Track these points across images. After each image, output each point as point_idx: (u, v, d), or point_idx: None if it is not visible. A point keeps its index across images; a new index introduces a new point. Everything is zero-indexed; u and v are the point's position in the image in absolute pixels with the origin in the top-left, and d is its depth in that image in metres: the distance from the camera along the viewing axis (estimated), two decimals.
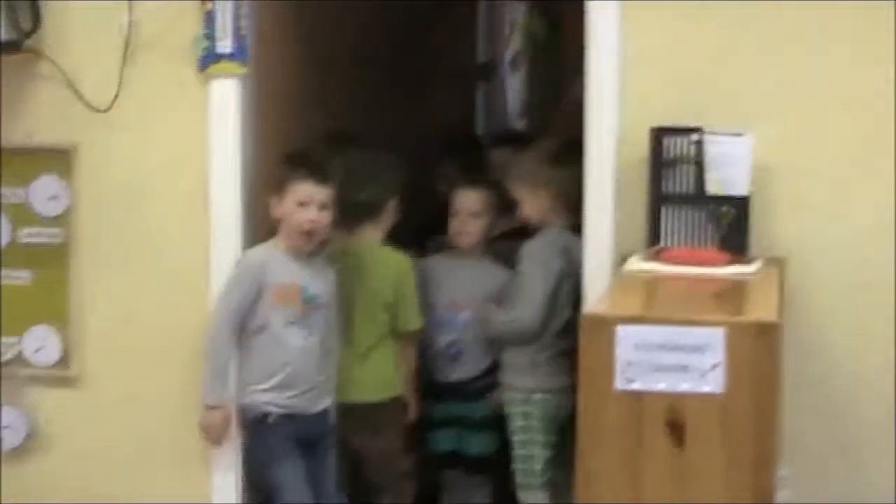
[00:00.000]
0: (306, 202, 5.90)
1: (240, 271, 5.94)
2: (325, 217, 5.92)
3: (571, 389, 5.76)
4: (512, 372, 6.37)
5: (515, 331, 6.32)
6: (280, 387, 5.95)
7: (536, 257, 6.27)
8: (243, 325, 5.93)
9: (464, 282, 6.56)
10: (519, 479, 6.35)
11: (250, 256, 6.00)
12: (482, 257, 6.63)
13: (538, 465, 6.30)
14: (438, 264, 6.74)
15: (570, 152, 6.03)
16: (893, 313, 5.52)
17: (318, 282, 6.04)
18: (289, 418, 5.96)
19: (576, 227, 6.12)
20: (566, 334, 6.13)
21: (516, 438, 6.33)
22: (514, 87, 8.83)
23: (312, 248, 6.00)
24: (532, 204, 6.31)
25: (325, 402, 6.07)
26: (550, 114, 8.43)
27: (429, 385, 6.68)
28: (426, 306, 6.54)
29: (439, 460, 6.75)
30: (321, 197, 5.91)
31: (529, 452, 6.31)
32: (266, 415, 5.94)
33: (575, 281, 6.07)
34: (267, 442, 6.01)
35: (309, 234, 5.93)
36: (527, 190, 6.32)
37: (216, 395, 5.86)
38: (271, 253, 6.00)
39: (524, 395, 6.31)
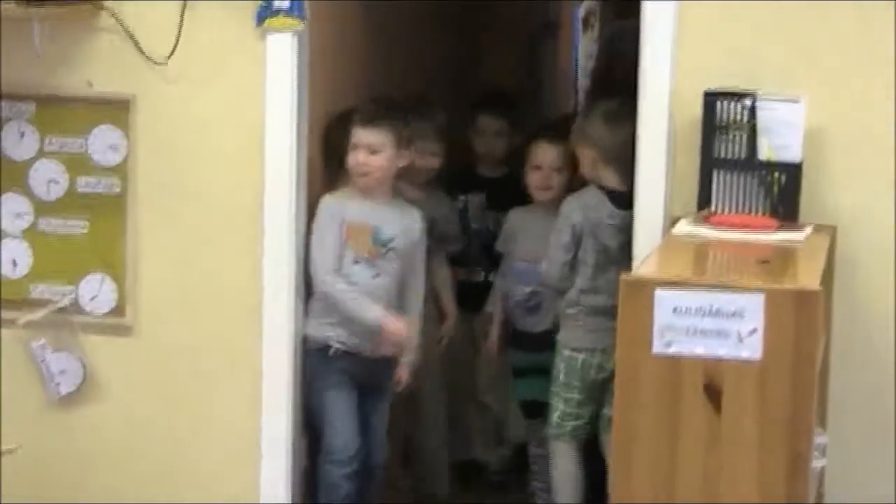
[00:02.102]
0: (356, 145, 6.06)
1: (323, 215, 6.07)
2: (375, 160, 6.05)
3: (606, 350, 6.11)
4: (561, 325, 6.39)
5: (544, 284, 6.45)
6: (342, 323, 6.04)
7: (563, 216, 6.33)
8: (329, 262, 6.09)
9: (543, 235, 6.51)
10: (548, 423, 6.43)
11: (329, 198, 6.13)
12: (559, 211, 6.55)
13: (556, 416, 6.34)
14: (520, 217, 6.81)
15: (623, 114, 6.04)
16: None
17: (393, 226, 6.13)
18: (350, 356, 6.07)
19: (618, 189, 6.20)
20: (595, 292, 6.21)
21: (554, 385, 6.41)
22: (585, 46, 8.78)
23: (384, 192, 6.17)
24: (584, 162, 6.33)
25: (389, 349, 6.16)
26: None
27: (513, 335, 6.82)
28: (508, 257, 6.76)
29: (524, 409, 6.85)
30: (369, 140, 6.04)
31: (554, 403, 6.35)
32: (328, 347, 6.06)
33: (598, 238, 6.24)
34: (324, 374, 6.11)
35: (361, 175, 6.08)
36: (580, 148, 6.34)
37: (375, 313, 6.01)
38: (349, 194, 6.16)
39: (563, 346, 6.35)
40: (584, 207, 6.25)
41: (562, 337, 6.33)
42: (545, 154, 6.63)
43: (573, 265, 6.26)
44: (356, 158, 6.05)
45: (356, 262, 6.07)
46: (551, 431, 6.40)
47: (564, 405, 6.31)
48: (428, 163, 6.74)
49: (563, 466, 6.39)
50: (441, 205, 6.91)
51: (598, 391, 6.24)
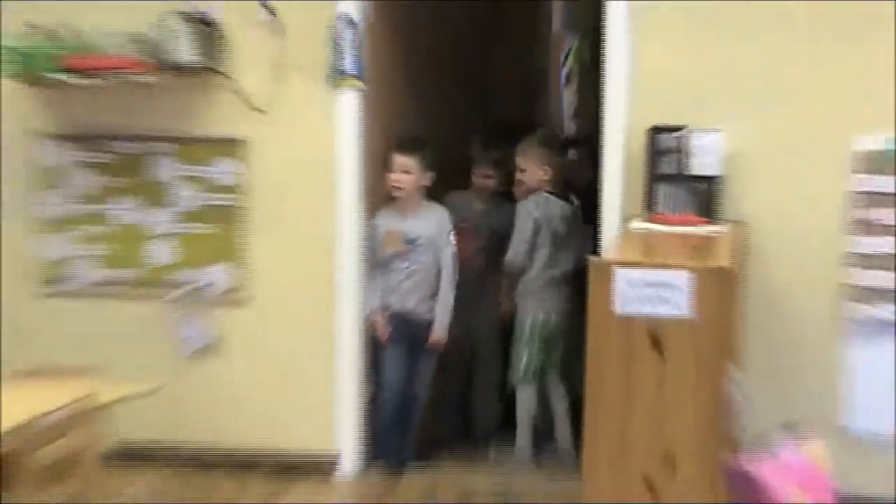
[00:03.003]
0: (393, 167, 6.11)
1: (367, 234, 6.12)
2: (406, 179, 6.10)
3: (564, 314, 6.27)
4: (521, 295, 6.38)
5: (510, 266, 6.35)
6: (394, 298, 6.17)
7: (523, 213, 6.29)
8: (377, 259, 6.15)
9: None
10: (510, 374, 6.42)
11: (377, 218, 6.17)
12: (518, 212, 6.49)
13: (521, 365, 6.35)
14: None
15: (562, 145, 6.36)
16: (814, 254, 5.62)
17: (419, 228, 6.14)
18: (398, 316, 6.16)
19: (558, 195, 6.33)
20: (551, 268, 6.28)
21: (514, 340, 6.40)
22: (568, 98, 8.70)
23: (414, 204, 6.16)
24: (532, 174, 6.34)
25: (426, 315, 6.18)
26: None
27: None
28: None
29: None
30: (401, 162, 6.09)
31: (519, 355, 6.36)
32: (387, 310, 6.18)
33: (552, 228, 6.27)
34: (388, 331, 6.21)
35: (394, 189, 6.12)
36: (532, 163, 6.35)
37: (369, 307, 6.16)
38: (384, 213, 6.18)
39: (521, 313, 6.36)
40: (539, 206, 6.27)
41: (526, 304, 6.35)
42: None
43: (531, 251, 6.27)
44: (392, 178, 6.10)
45: (395, 256, 6.15)
46: (518, 378, 6.39)
47: (527, 357, 6.34)
48: (484, 183, 6.67)
49: (528, 403, 6.39)
50: (500, 211, 6.62)
51: (550, 343, 6.33)
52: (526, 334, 6.35)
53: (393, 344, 6.22)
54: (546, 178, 6.35)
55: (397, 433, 6.27)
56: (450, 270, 6.21)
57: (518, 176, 6.45)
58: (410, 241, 6.15)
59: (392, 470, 6.19)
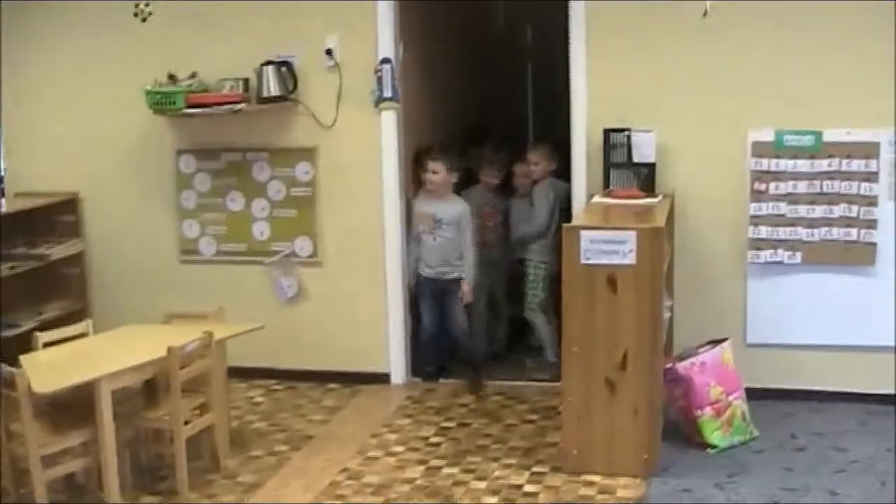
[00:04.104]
0: (427, 169, 6.06)
1: (413, 211, 6.12)
2: (436, 178, 6.01)
3: (549, 262, 6.14)
4: (533, 252, 6.30)
5: (538, 232, 6.26)
6: (423, 264, 6.10)
7: (543, 195, 6.23)
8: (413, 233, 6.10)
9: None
10: (527, 304, 6.35)
11: (415, 201, 6.12)
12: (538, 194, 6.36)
13: (537, 298, 6.32)
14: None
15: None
16: (726, 216, 5.60)
17: (445, 211, 6.02)
18: (429, 279, 6.10)
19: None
20: (550, 231, 6.18)
21: (529, 283, 6.32)
22: None
23: (441, 194, 6.05)
24: (543, 166, 6.24)
25: (452, 275, 6.04)
26: None
27: None
28: None
29: None
30: (433, 166, 6.03)
31: (534, 291, 6.32)
32: (420, 275, 6.13)
33: (560, 204, 6.17)
34: (420, 289, 6.17)
35: (431, 184, 6.05)
36: (544, 158, 6.24)
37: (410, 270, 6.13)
38: (420, 199, 6.12)
39: (536, 263, 6.31)
40: (553, 189, 6.21)
41: (539, 258, 6.26)
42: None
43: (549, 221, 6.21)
44: (427, 176, 6.04)
45: (425, 232, 6.05)
46: (531, 308, 6.33)
47: (532, 293, 6.31)
48: (492, 181, 6.46)
49: (542, 324, 6.35)
50: (503, 198, 6.50)
51: (547, 283, 6.25)
52: (540, 280, 6.28)
53: (425, 298, 6.16)
54: (553, 168, 6.22)
55: (438, 360, 6.24)
56: (469, 244, 6.06)
57: (532, 168, 6.26)
58: (437, 221, 6.04)
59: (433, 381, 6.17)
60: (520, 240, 6.37)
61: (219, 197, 6.25)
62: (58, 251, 6.26)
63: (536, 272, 6.31)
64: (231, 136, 6.15)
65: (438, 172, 6.03)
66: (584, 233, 4.71)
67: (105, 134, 6.33)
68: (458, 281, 6.07)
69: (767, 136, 5.47)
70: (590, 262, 4.68)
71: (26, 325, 5.88)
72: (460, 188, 6.28)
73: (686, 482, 4.68)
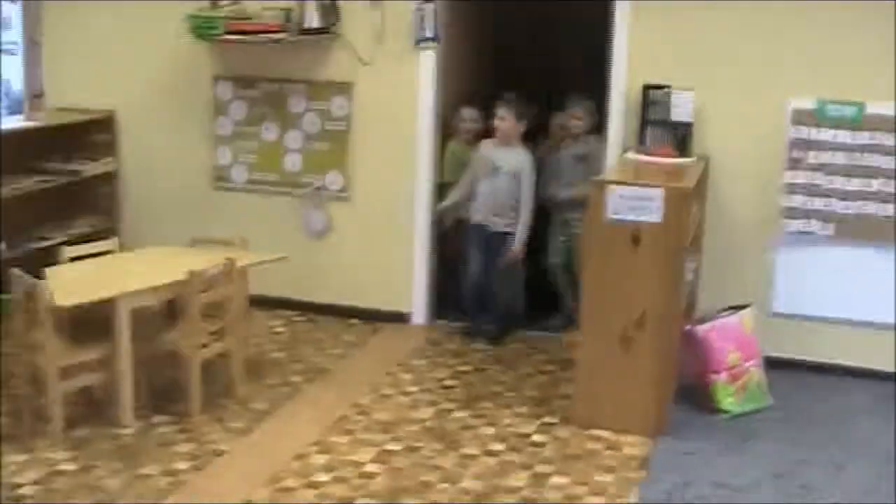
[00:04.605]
0: (495, 115, 5.87)
1: (473, 157, 5.97)
2: (502, 124, 5.80)
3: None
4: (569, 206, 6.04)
5: None
6: (476, 209, 5.92)
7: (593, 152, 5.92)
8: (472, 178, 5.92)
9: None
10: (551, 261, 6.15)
11: (479, 148, 5.96)
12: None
13: (558, 253, 6.13)
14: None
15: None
16: (759, 183, 5.54)
17: (505, 159, 5.79)
18: (479, 226, 5.91)
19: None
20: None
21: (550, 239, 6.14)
22: None
23: (507, 142, 5.82)
24: (585, 121, 5.97)
25: (501, 227, 5.83)
26: None
27: None
28: None
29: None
30: (499, 112, 5.83)
31: (553, 246, 6.15)
32: (468, 221, 5.96)
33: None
34: (468, 234, 6.00)
35: (497, 130, 5.85)
36: (586, 113, 5.96)
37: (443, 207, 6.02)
38: (485, 145, 5.95)
39: (562, 222, 6.12)
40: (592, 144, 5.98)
41: (568, 216, 6.04)
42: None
43: None
44: (495, 122, 5.83)
45: (485, 177, 5.83)
46: (555, 261, 6.13)
47: (554, 245, 6.15)
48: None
49: (562, 276, 6.16)
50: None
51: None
52: (559, 232, 6.11)
53: (473, 246, 5.96)
54: (593, 123, 5.98)
55: (480, 312, 6.03)
56: (528, 200, 5.81)
57: (573, 122, 5.99)
58: (495, 168, 5.82)
59: (475, 336, 5.96)
60: (566, 201, 6.02)
61: (253, 126, 6.25)
62: (91, 168, 6.30)
63: (566, 225, 6.07)
64: (269, 66, 6.13)
65: (505, 119, 5.81)
66: (611, 188, 4.67)
67: (145, 56, 6.35)
68: (504, 235, 5.87)
69: (808, 104, 5.38)
70: (616, 217, 4.65)
71: (55, 239, 5.94)
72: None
73: (692, 445, 4.69)
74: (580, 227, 5.81)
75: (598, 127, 5.91)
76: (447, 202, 6.03)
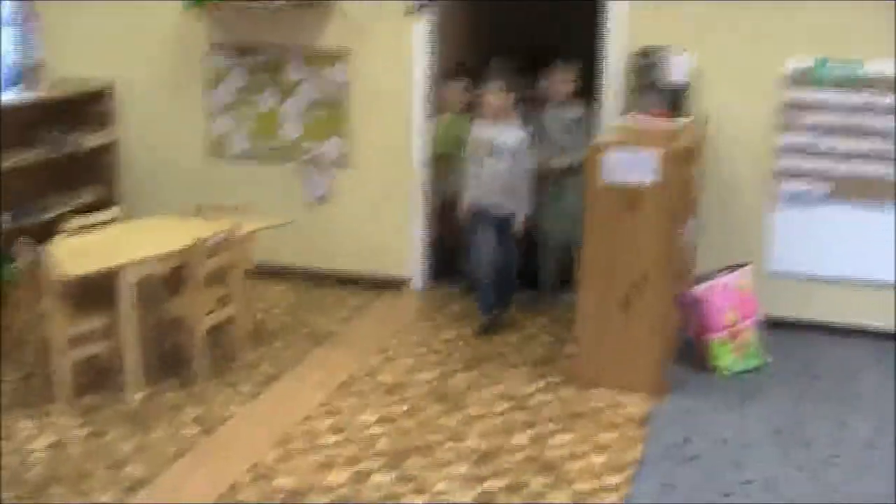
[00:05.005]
0: (486, 89, 5.59)
1: (470, 136, 5.62)
2: (493, 99, 5.50)
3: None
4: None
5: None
6: (479, 192, 5.54)
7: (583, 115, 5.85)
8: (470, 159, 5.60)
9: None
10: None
11: (474, 126, 5.62)
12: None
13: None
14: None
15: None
16: (757, 143, 5.57)
17: (503, 137, 5.46)
18: (484, 210, 5.55)
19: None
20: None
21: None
22: None
23: (499, 117, 5.50)
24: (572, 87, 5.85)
25: (507, 209, 5.49)
26: None
27: None
28: None
29: None
30: (490, 85, 5.54)
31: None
32: (473, 206, 5.58)
33: None
34: (475, 218, 5.60)
35: (488, 107, 5.56)
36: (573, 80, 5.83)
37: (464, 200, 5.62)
38: (478, 123, 5.61)
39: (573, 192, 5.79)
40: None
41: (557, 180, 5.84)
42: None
43: None
44: (486, 98, 5.53)
45: (484, 156, 5.46)
46: (550, 229, 5.92)
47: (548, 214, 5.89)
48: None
49: (550, 247, 6.00)
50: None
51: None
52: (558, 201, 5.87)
53: (482, 228, 5.59)
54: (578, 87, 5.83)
55: (495, 291, 5.68)
56: (524, 173, 5.49)
57: (560, 87, 5.82)
58: (494, 147, 5.49)
59: (489, 314, 5.68)
60: (560, 168, 5.82)
61: (252, 94, 6.26)
62: (91, 139, 6.31)
63: (569, 202, 5.78)
64: (266, 34, 6.14)
65: (496, 94, 5.55)
66: (608, 151, 4.72)
67: (142, 27, 6.35)
68: (510, 215, 5.55)
69: (806, 63, 5.41)
70: (612, 180, 4.70)
71: (57, 211, 5.97)
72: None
73: (694, 403, 4.76)
74: (575, 194, 5.62)
75: (585, 91, 5.85)
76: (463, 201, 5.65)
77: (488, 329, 5.63)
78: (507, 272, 5.69)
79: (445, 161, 6.04)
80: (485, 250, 5.60)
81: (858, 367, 5.24)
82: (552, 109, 5.85)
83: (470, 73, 6.13)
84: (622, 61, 5.63)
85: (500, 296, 5.72)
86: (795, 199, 5.56)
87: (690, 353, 5.18)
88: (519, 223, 5.53)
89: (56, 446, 4.23)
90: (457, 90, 6.16)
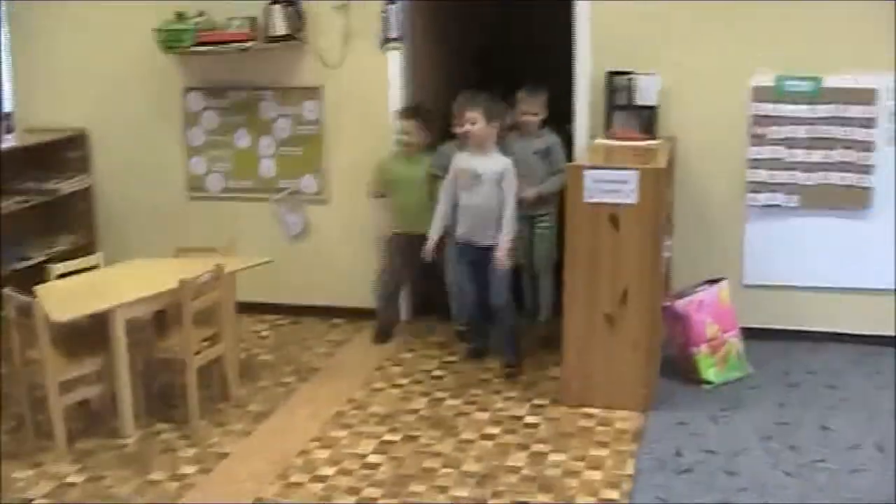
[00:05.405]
0: (462, 120, 5.37)
1: (451, 166, 5.45)
2: (474, 128, 5.29)
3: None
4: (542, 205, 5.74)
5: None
6: (459, 224, 5.41)
7: (558, 142, 5.70)
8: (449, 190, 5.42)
9: None
10: (537, 264, 5.79)
11: (456, 157, 5.46)
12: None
13: (551, 256, 5.77)
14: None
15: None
16: (726, 160, 5.66)
17: (483, 166, 5.29)
18: (466, 242, 5.41)
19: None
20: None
21: (540, 240, 5.75)
22: None
23: (481, 146, 5.32)
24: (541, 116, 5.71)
25: (489, 241, 5.30)
26: None
27: None
28: None
29: None
30: (469, 116, 5.31)
31: (547, 247, 5.74)
32: (453, 237, 5.46)
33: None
34: (453, 253, 5.53)
35: (466, 137, 5.37)
36: (543, 108, 5.68)
37: (433, 229, 5.43)
38: (460, 155, 5.45)
39: (547, 216, 5.74)
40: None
41: (545, 209, 5.66)
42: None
43: None
44: (464, 128, 5.32)
45: (465, 188, 5.32)
46: (543, 268, 5.77)
47: (544, 251, 5.74)
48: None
49: (549, 285, 5.77)
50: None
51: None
52: (551, 235, 5.69)
53: (460, 263, 5.49)
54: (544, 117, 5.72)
55: (483, 334, 5.65)
56: (510, 205, 5.27)
57: (526, 118, 5.65)
58: (476, 177, 5.31)
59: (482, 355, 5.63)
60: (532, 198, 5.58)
61: (226, 134, 6.30)
62: (66, 186, 6.32)
63: (547, 226, 5.72)
64: (238, 75, 6.19)
65: (477, 122, 5.30)
66: (587, 172, 4.80)
67: (114, 71, 6.38)
68: (493, 249, 5.32)
69: (768, 80, 5.53)
70: (593, 200, 4.78)
71: (36, 258, 5.97)
72: (435, 143, 5.89)
73: (682, 415, 4.84)
74: (547, 224, 5.70)
75: (560, 116, 5.83)
76: (434, 231, 5.47)
77: (481, 354, 5.63)
78: (494, 307, 5.46)
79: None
80: (464, 282, 5.52)
81: (836, 372, 5.36)
82: (520, 140, 5.66)
83: (423, 113, 5.93)
84: (593, 83, 5.70)
85: (484, 325, 5.65)
86: (765, 211, 5.66)
87: (675, 367, 5.27)
88: (500, 251, 5.28)
89: (55, 493, 4.22)
90: (402, 132, 5.87)
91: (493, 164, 5.33)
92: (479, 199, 5.33)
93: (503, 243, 5.29)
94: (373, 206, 6.08)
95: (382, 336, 6.00)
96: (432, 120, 5.90)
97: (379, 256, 6.13)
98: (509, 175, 5.31)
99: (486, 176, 5.31)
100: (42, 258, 5.93)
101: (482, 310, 5.56)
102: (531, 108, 5.65)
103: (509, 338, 5.52)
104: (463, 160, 5.43)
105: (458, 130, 5.40)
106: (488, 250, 5.33)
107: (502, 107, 5.49)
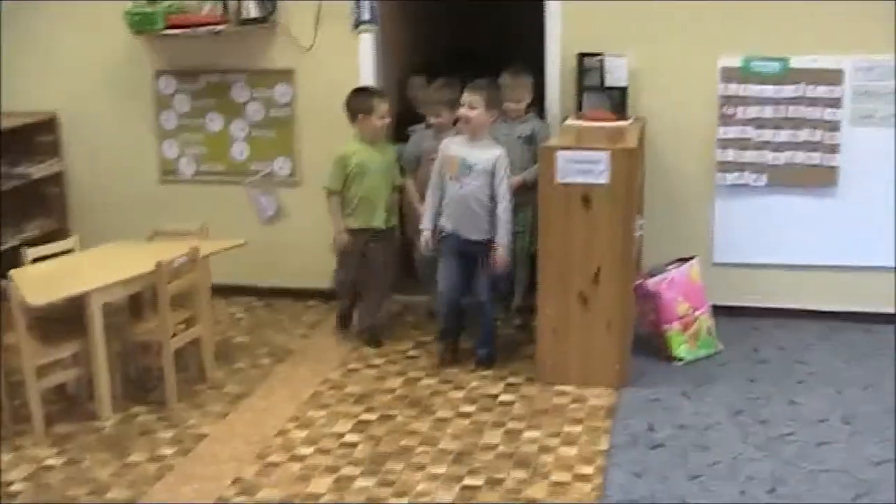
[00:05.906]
0: (462, 103, 5.14)
1: (439, 154, 5.22)
2: (472, 114, 5.06)
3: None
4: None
5: None
6: (446, 216, 5.18)
7: (544, 128, 5.64)
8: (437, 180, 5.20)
9: None
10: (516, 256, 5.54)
11: (444, 142, 5.24)
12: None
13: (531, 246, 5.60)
14: None
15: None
16: (695, 140, 5.73)
17: (477, 156, 5.06)
18: (452, 236, 5.17)
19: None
20: None
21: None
22: None
23: (475, 134, 5.11)
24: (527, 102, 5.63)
25: (477, 235, 5.10)
26: None
27: None
28: None
29: None
30: (469, 100, 5.09)
31: (525, 238, 5.58)
32: (442, 230, 5.20)
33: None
34: (441, 247, 5.23)
35: (465, 123, 5.13)
36: (528, 92, 5.60)
37: (423, 224, 5.24)
38: (452, 140, 5.23)
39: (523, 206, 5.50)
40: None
41: (522, 199, 5.39)
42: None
43: None
44: (461, 111, 5.11)
45: (454, 179, 5.08)
46: (520, 259, 5.61)
47: (522, 242, 5.60)
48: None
49: (524, 277, 5.69)
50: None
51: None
52: (528, 226, 5.50)
53: (445, 257, 5.23)
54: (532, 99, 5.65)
55: (457, 327, 5.41)
56: (504, 197, 5.06)
57: (511, 105, 5.50)
58: (466, 167, 5.07)
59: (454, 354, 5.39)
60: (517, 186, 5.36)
61: (198, 118, 6.29)
62: (38, 170, 6.31)
63: (525, 217, 5.50)
64: (210, 58, 6.18)
65: (476, 108, 5.06)
66: (559, 153, 4.85)
67: (85, 55, 6.36)
68: (482, 244, 5.12)
69: (736, 61, 5.59)
70: (565, 180, 4.83)
71: (8, 243, 5.96)
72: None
73: (655, 392, 4.91)
74: (532, 209, 5.29)
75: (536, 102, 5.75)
76: (427, 222, 5.24)
77: (454, 352, 5.39)
78: (478, 302, 5.29)
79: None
80: (448, 283, 5.25)
81: (804, 347, 5.45)
82: (504, 125, 5.50)
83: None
84: (563, 65, 5.73)
85: (462, 321, 5.42)
86: (734, 190, 5.73)
87: (647, 344, 5.34)
88: (497, 254, 5.08)
89: (34, 477, 4.23)
90: (384, 114, 5.56)
91: (485, 153, 5.09)
92: (467, 191, 5.09)
93: (501, 244, 5.09)
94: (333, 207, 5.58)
95: (344, 323, 5.88)
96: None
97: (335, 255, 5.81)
98: (502, 166, 5.07)
99: (476, 167, 5.07)
100: (15, 243, 5.91)
101: (462, 309, 5.37)
102: (515, 92, 5.52)
103: (487, 332, 5.36)
104: (452, 147, 5.18)
105: (458, 114, 5.17)
106: (476, 244, 5.14)
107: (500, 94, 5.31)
